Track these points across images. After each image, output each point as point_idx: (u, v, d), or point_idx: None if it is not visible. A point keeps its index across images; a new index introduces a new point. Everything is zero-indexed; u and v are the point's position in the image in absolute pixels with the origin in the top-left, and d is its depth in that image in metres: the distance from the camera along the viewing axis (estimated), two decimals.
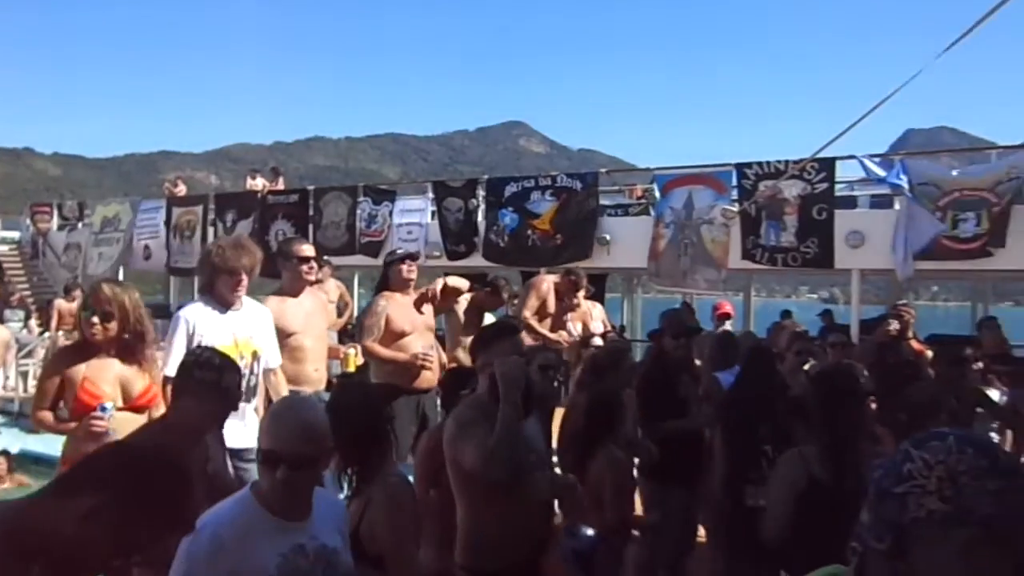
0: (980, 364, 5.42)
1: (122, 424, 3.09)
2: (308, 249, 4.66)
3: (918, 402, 3.67)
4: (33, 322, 12.87)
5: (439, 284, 5.50)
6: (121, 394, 3.25)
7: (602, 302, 8.42)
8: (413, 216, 11.33)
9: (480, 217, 10.71)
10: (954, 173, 8.24)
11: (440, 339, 5.67)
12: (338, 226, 11.81)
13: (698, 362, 5.40)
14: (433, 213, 11.19)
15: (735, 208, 8.84)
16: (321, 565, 1.98)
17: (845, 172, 9.07)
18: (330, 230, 11.85)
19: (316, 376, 4.54)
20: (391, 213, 11.43)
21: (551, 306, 6.33)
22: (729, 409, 4.23)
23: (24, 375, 10.73)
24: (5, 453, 7.11)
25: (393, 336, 4.96)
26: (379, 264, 5.36)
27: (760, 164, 8.81)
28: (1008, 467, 1.04)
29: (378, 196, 11.71)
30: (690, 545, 4.52)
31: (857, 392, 3.08)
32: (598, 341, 6.03)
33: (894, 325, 6.39)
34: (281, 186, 14.14)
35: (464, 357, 5.12)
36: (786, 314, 10.56)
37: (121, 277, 12.86)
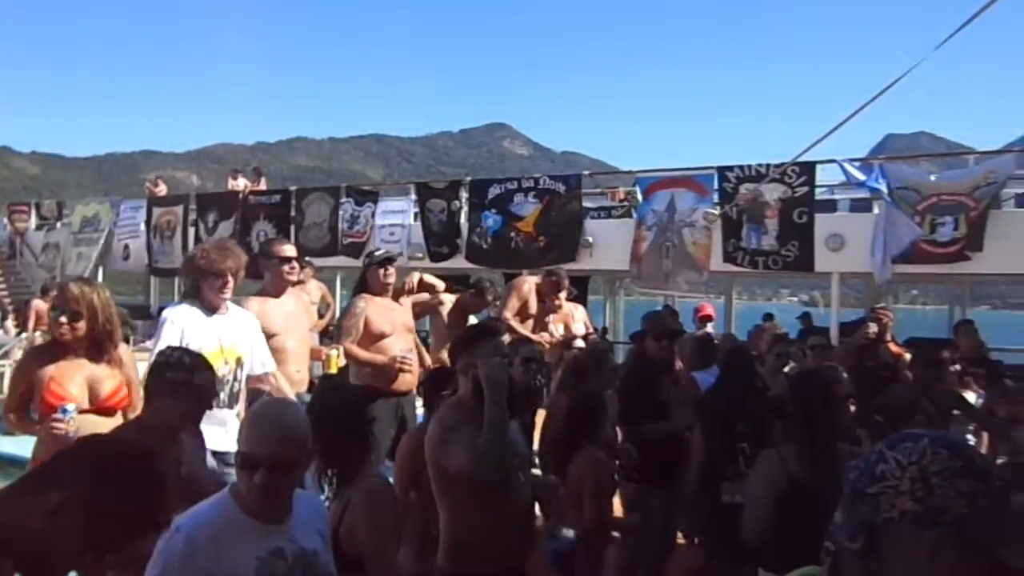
0: (957, 367, 5.48)
1: (87, 426, 3.03)
2: (290, 249, 4.63)
3: (894, 404, 3.70)
4: (10, 323, 12.69)
5: (415, 278, 5.54)
6: (89, 395, 3.20)
7: (585, 304, 8.41)
8: (396, 217, 11.25)
9: (463, 219, 10.66)
10: (932, 178, 8.32)
11: (424, 341, 5.67)
12: (320, 227, 11.73)
13: (679, 365, 5.43)
14: (416, 214, 11.12)
15: (716, 211, 8.88)
16: (300, 568, 1.96)
17: (825, 176, 9.11)
18: (312, 231, 11.77)
19: (298, 377, 4.50)
20: (374, 214, 11.37)
21: (532, 307, 6.34)
22: (707, 405, 4.26)
23: (0, 376, 10.59)
24: None
25: (372, 338, 4.94)
26: (361, 265, 5.36)
27: (741, 167, 8.85)
28: (982, 469, 1.04)
29: (361, 197, 11.64)
30: (671, 547, 4.53)
31: (836, 394, 3.12)
32: (580, 343, 6.04)
33: (873, 328, 6.44)
34: (263, 186, 14.02)
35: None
36: (768, 317, 10.64)
37: (101, 278, 12.73)
